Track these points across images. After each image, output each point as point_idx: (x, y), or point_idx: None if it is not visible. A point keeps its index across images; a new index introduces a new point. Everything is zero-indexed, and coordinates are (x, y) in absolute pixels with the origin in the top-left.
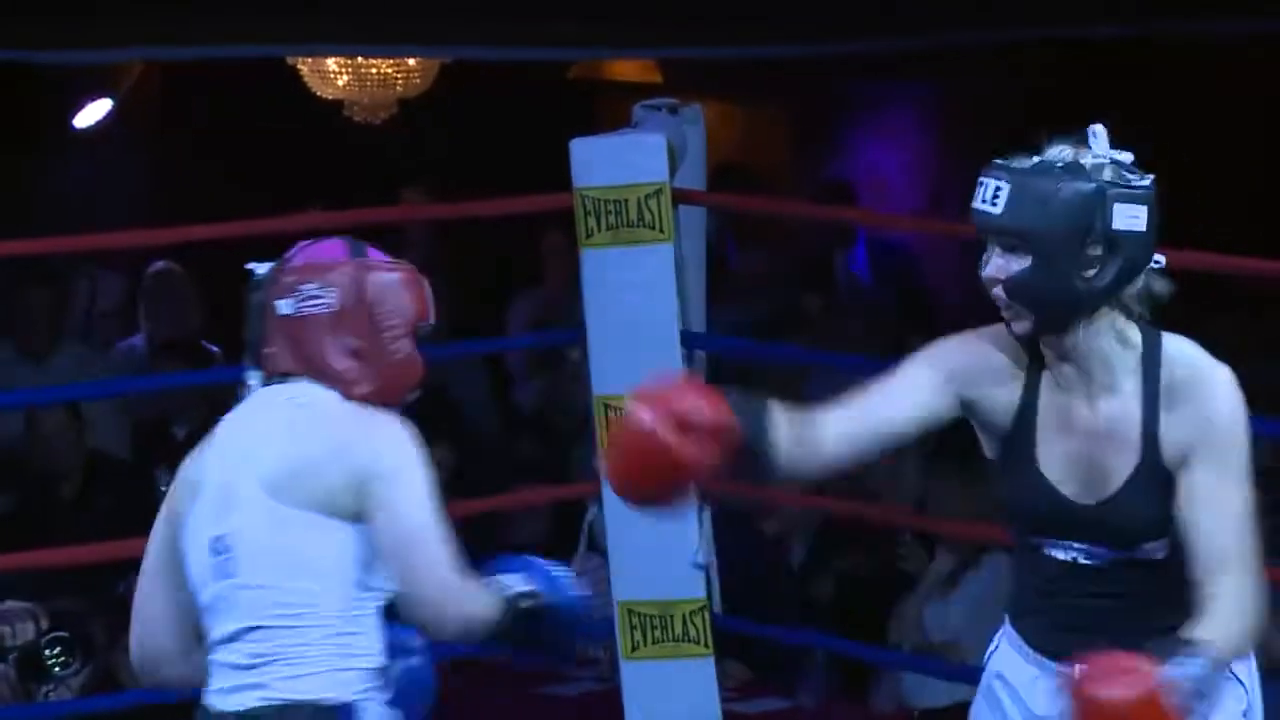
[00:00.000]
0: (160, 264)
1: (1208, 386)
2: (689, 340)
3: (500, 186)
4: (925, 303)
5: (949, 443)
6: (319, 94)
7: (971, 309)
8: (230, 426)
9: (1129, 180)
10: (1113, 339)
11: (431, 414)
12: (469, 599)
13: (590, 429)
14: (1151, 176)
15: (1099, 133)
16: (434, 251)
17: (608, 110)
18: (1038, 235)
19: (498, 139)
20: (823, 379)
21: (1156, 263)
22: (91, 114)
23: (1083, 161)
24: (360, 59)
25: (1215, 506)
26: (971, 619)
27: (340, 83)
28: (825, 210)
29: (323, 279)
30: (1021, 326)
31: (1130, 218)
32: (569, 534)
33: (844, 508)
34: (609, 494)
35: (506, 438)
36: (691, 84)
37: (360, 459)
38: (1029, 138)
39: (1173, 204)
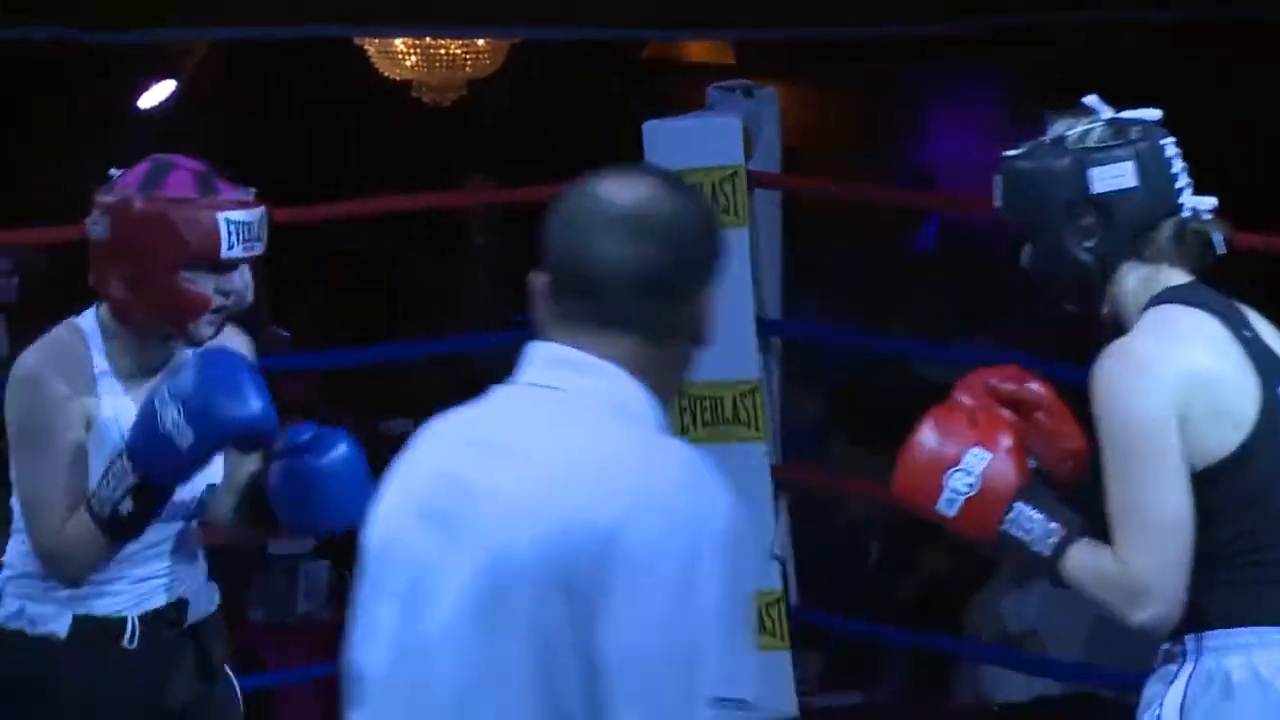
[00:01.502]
0: None
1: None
2: (765, 327)
3: (570, 169)
4: (996, 287)
5: None
6: (387, 75)
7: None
8: None
9: (1106, 140)
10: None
11: None
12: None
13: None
14: (1156, 134)
15: (1094, 102)
16: (498, 236)
17: (681, 92)
18: (1028, 218)
19: (568, 121)
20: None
21: (1190, 209)
22: (155, 96)
23: (1068, 135)
24: (429, 39)
25: None
26: (1049, 609)
27: (408, 63)
28: (898, 194)
29: (102, 207)
30: (1070, 309)
31: (1113, 178)
32: None
33: None
34: None
35: None
36: (765, 65)
37: None
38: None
39: (1244, 174)
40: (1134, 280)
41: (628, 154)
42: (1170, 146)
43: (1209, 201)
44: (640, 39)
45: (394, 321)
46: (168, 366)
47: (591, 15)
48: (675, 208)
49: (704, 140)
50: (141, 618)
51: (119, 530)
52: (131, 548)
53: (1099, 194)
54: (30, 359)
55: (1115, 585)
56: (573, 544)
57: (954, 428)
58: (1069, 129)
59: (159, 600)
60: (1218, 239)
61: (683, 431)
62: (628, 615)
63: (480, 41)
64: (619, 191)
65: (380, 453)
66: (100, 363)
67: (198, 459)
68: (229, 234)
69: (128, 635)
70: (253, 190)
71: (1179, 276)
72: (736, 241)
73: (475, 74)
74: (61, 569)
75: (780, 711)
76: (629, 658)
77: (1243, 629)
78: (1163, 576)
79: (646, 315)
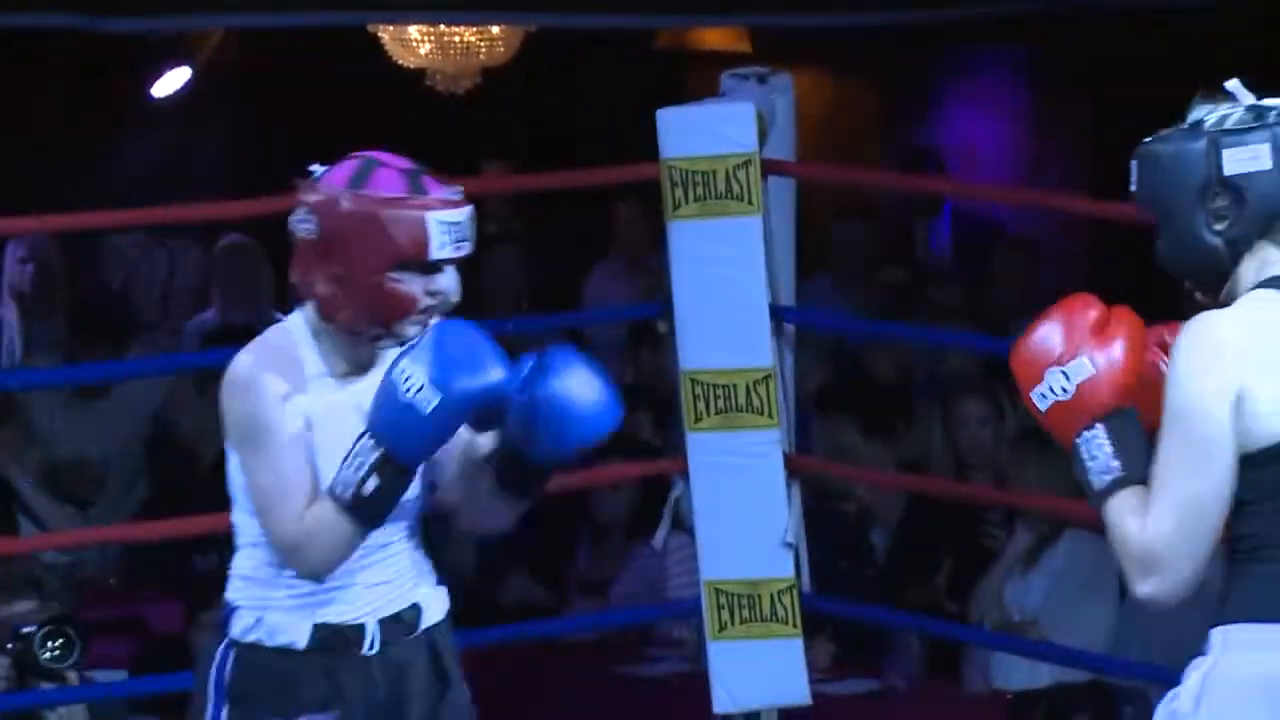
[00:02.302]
0: (233, 236)
1: None
2: (778, 314)
3: (584, 157)
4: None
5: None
6: (401, 62)
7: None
8: None
9: (1244, 122)
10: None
11: None
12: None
13: (677, 404)
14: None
15: (1236, 86)
16: (513, 223)
17: (696, 80)
18: (1159, 202)
19: (583, 109)
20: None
21: None
22: (169, 83)
23: (1206, 119)
24: (443, 27)
25: None
26: (1051, 596)
27: (423, 51)
28: (914, 181)
29: (308, 205)
30: (1199, 297)
31: (1247, 159)
32: (655, 512)
33: (929, 485)
34: (695, 472)
35: None
36: (781, 52)
37: None
38: (1126, 103)
39: None
40: (1255, 264)
41: (642, 142)
42: None
43: None
44: (655, 26)
45: None
46: (377, 365)
47: (606, 3)
48: None
49: (717, 127)
50: (380, 624)
51: (363, 512)
52: (361, 552)
53: (1232, 175)
54: (243, 361)
55: (1131, 546)
56: None
57: (1078, 327)
58: (1208, 113)
59: (394, 606)
60: None
61: (695, 418)
62: None
63: (494, 29)
64: None
65: None
66: (312, 362)
67: (441, 427)
68: (438, 234)
69: (367, 643)
70: (460, 189)
71: None
72: (750, 229)
73: (489, 62)
74: (306, 561)
75: (793, 698)
76: None
77: (1271, 625)
78: (1176, 551)
79: None
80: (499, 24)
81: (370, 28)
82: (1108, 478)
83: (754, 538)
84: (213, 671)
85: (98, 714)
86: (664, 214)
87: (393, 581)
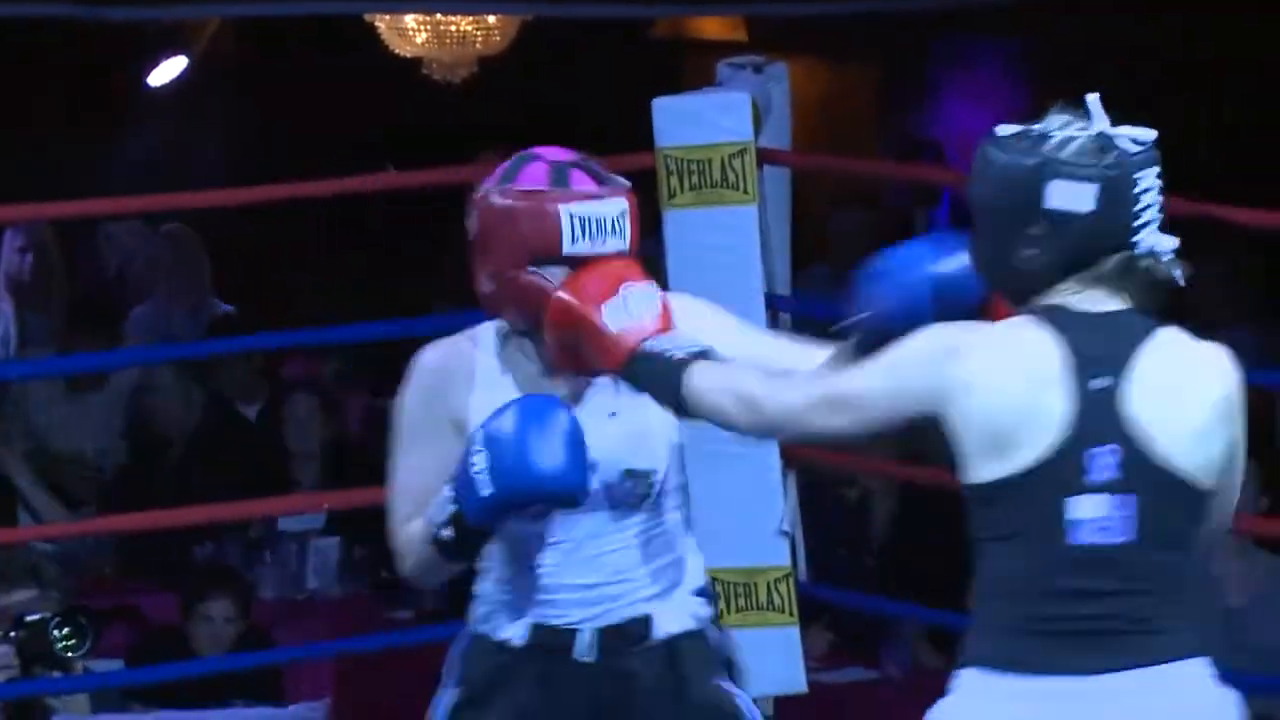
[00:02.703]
0: (172, 226)
1: None
2: (774, 302)
3: (581, 146)
4: None
5: None
6: (397, 51)
7: None
8: None
9: (1082, 158)
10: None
11: None
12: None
13: None
14: (1137, 162)
15: (1093, 103)
16: None
17: (693, 69)
18: (980, 205)
19: (579, 98)
20: None
21: (1147, 247)
22: (166, 72)
23: (1052, 136)
24: (439, 16)
25: None
26: None
27: (419, 40)
28: (908, 169)
29: (471, 203)
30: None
31: (1070, 197)
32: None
33: (927, 474)
34: (692, 461)
35: None
36: (778, 41)
37: None
38: (1122, 93)
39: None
40: (1057, 295)
41: (638, 131)
42: (1149, 178)
43: (1169, 242)
44: (651, 15)
45: (399, 299)
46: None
47: None
48: None
49: (713, 116)
50: (599, 631)
51: (444, 551)
52: (564, 550)
53: (1052, 209)
54: (422, 355)
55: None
56: None
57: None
58: (1058, 128)
59: (617, 614)
60: (1175, 275)
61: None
62: None
63: (491, 18)
64: None
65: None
66: (488, 364)
67: (495, 511)
68: (572, 228)
69: (580, 647)
70: (620, 182)
71: (1105, 303)
72: (745, 217)
73: (486, 51)
74: (402, 566)
75: (789, 687)
76: None
77: (998, 674)
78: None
79: None
80: (495, 13)
81: (367, 17)
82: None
83: (750, 527)
84: (453, 653)
85: (96, 702)
86: (660, 203)
87: (610, 584)
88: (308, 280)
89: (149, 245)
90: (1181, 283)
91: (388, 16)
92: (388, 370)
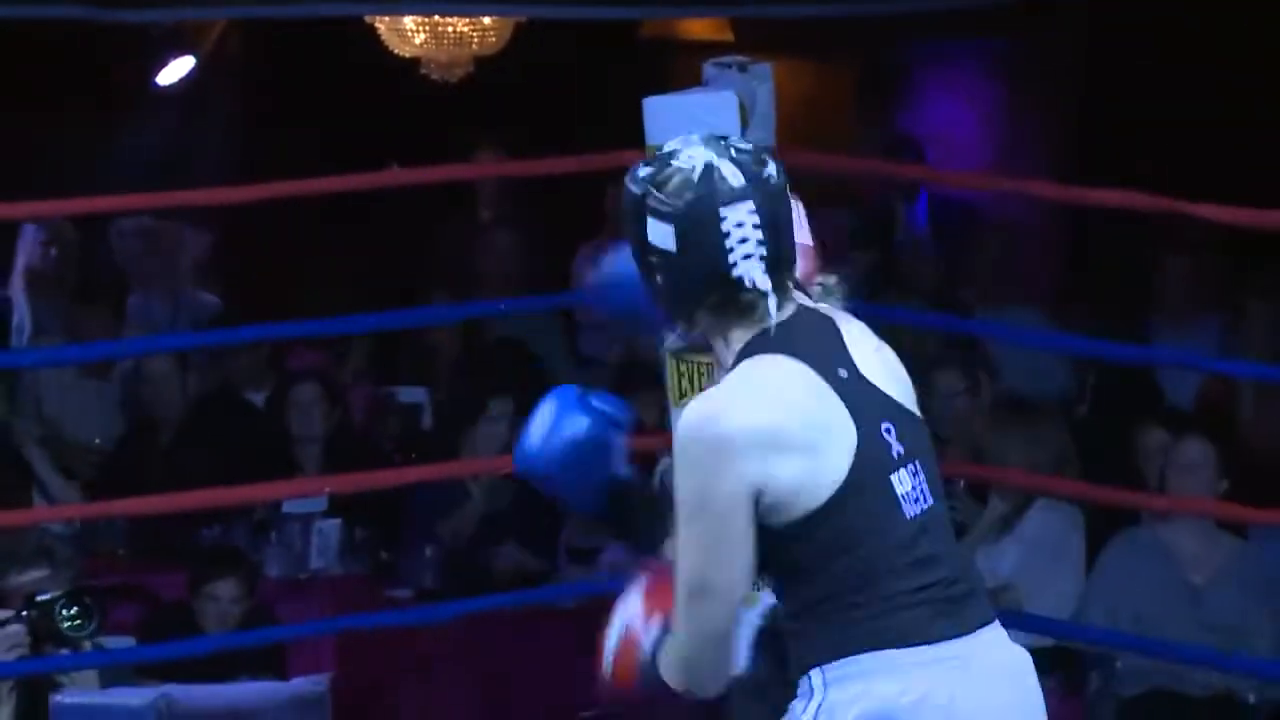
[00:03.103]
0: (144, 221)
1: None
2: None
3: (573, 144)
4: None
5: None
6: (396, 52)
7: (1041, 263)
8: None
9: (665, 195)
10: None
11: (512, 364)
12: None
13: (661, 381)
14: (726, 193)
15: (729, 132)
16: (506, 207)
17: (679, 68)
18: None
19: (572, 98)
20: None
21: (747, 279)
22: (173, 72)
23: (657, 166)
24: (437, 17)
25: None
26: (1025, 563)
27: (417, 41)
28: (891, 167)
29: None
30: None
31: (660, 235)
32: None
33: None
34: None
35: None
36: (763, 42)
37: None
38: (1095, 93)
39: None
40: (709, 327)
41: (628, 129)
42: (738, 209)
43: (763, 278)
44: (641, 17)
45: (410, 292)
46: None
47: None
48: None
49: (700, 115)
50: None
51: None
52: None
53: (652, 243)
54: None
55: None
56: None
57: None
58: (681, 148)
59: None
60: (769, 308)
61: (680, 395)
62: None
63: (487, 20)
64: None
65: (393, 420)
66: None
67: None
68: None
69: None
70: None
71: (787, 308)
72: None
73: (482, 51)
74: None
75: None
76: None
77: (865, 654)
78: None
79: None
80: (490, 14)
81: (367, 18)
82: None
83: None
84: None
85: (106, 677)
86: None
87: None
88: (311, 273)
89: (124, 241)
90: (773, 321)
91: (387, 18)
92: (389, 360)
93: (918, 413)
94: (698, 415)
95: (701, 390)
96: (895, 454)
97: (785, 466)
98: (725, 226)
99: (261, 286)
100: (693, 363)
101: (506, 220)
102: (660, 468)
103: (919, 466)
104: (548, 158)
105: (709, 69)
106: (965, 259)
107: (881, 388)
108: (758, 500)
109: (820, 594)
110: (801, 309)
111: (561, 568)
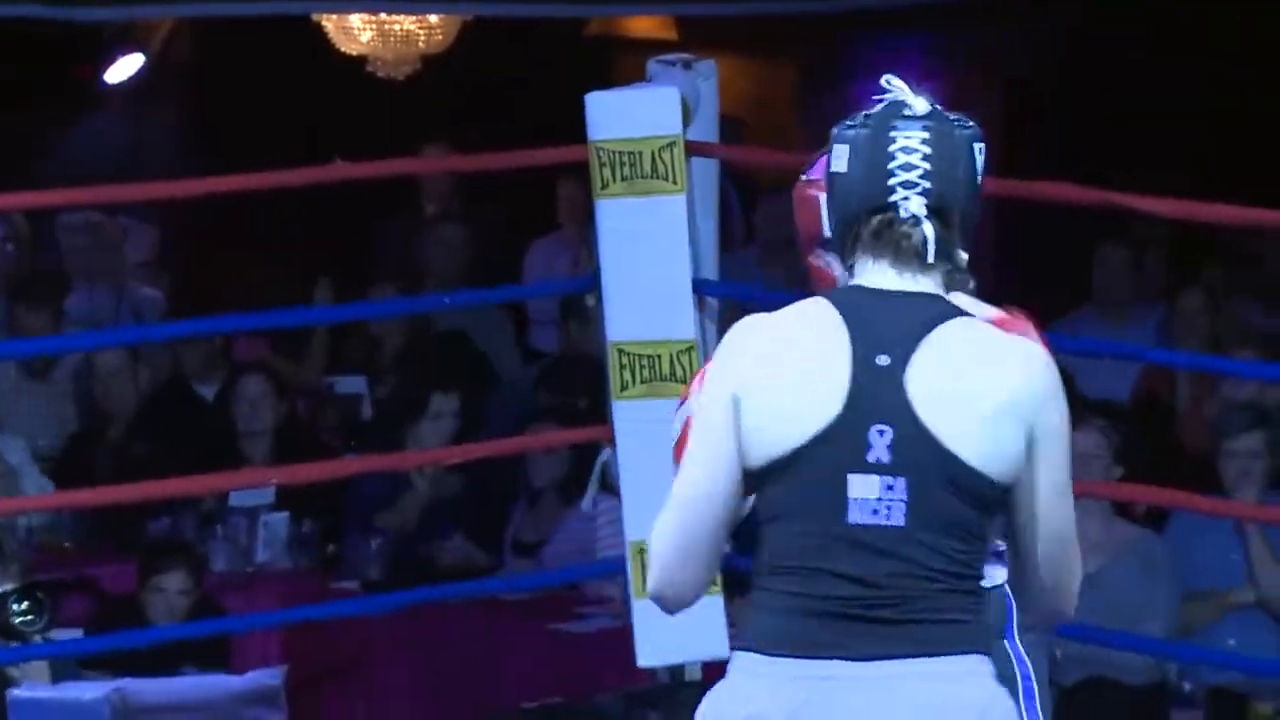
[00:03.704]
0: (91, 214)
1: None
2: (700, 287)
3: (518, 140)
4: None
5: None
6: (343, 50)
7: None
8: None
9: (852, 120)
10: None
11: (456, 358)
12: None
13: (604, 373)
14: (892, 124)
15: (888, 83)
16: (453, 203)
17: (625, 66)
18: None
19: (516, 95)
20: None
21: (905, 210)
22: (122, 69)
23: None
24: (384, 15)
25: None
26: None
27: (364, 39)
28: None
29: None
30: None
31: (836, 159)
32: (586, 476)
33: None
34: (622, 438)
35: (526, 381)
36: (707, 39)
37: None
38: (1039, 89)
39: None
40: (860, 274)
41: (572, 125)
42: (903, 138)
43: (920, 207)
44: (586, 15)
45: (353, 285)
46: None
47: None
48: None
49: (643, 111)
50: None
51: None
52: None
53: (832, 171)
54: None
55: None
56: None
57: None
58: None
59: None
60: (921, 242)
61: (621, 387)
62: None
63: (433, 18)
64: None
65: (331, 410)
66: None
67: None
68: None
69: None
70: None
71: (902, 283)
72: (674, 207)
73: (429, 50)
74: None
75: (714, 653)
76: None
77: (739, 651)
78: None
79: None
80: (436, 13)
81: (314, 17)
82: None
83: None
84: None
85: (59, 671)
86: (592, 193)
87: None
88: (258, 267)
89: (70, 236)
90: (930, 256)
91: (334, 17)
92: (334, 352)
93: (968, 457)
94: (747, 320)
95: (644, 381)
96: (873, 458)
97: (763, 391)
98: (891, 147)
99: (205, 282)
100: (633, 355)
101: (454, 216)
102: (602, 457)
103: (904, 486)
104: (494, 153)
105: (653, 66)
106: None
107: (914, 398)
108: (737, 410)
109: (755, 566)
110: (921, 294)
111: (507, 561)
